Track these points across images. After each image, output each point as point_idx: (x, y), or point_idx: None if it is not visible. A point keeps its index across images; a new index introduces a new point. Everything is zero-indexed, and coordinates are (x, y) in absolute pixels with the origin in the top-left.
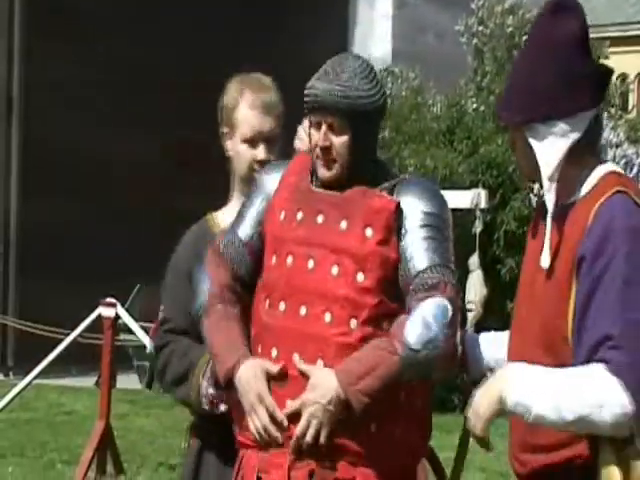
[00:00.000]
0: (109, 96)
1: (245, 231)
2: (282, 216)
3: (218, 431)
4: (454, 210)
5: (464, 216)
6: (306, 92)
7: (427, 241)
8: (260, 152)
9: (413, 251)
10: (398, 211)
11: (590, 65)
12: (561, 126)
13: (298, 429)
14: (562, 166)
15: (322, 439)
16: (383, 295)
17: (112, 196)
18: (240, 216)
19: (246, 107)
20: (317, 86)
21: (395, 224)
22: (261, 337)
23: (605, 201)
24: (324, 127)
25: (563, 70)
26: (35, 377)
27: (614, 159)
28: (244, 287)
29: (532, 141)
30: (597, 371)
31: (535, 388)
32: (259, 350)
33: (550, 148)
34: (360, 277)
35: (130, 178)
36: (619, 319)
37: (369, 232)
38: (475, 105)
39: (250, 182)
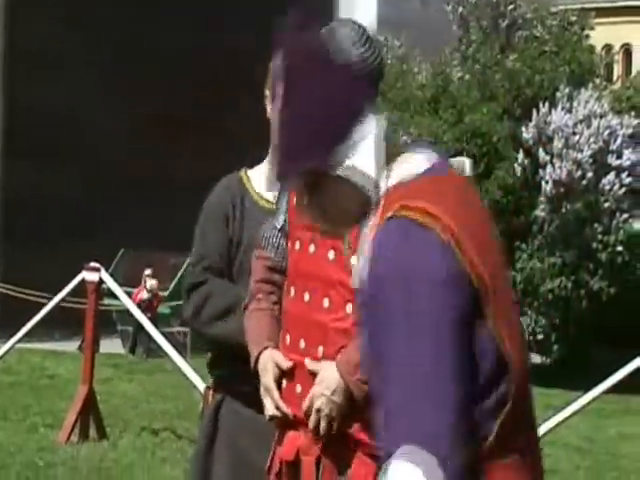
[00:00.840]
0: (95, 63)
1: (280, 218)
2: (295, 200)
3: (248, 382)
4: None
5: None
6: None
7: None
8: None
9: None
10: None
11: None
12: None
13: (310, 423)
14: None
15: (324, 426)
16: None
17: (97, 163)
18: (277, 205)
19: None
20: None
21: None
22: (283, 322)
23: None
24: None
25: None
26: (18, 341)
27: (598, 129)
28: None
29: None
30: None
31: None
32: (280, 337)
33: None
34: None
35: (115, 145)
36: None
37: None
38: (460, 74)
39: None
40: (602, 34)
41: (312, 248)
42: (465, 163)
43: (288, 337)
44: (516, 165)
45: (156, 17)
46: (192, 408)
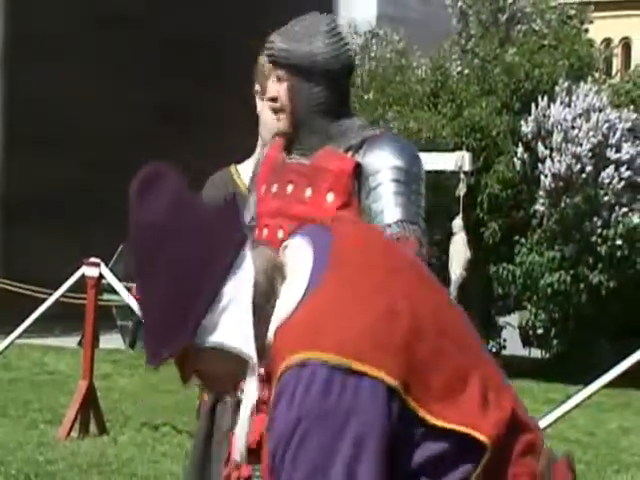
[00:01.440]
0: (94, 50)
1: (247, 215)
2: (262, 191)
3: None
4: (438, 172)
5: (448, 179)
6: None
7: (394, 197)
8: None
9: (378, 207)
10: (360, 170)
11: None
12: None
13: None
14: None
15: None
16: None
17: (98, 156)
18: (246, 203)
19: None
20: (269, 39)
21: (355, 185)
22: None
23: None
24: (273, 77)
25: None
26: (18, 336)
27: (597, 123)
28: None
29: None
30: None
31: None
32: None
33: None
34: None
35: (114, 134)
36: None
37: (330, 197)
38: (459, 68)
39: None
40: (601, 28)
41: (280, 234)
42: (465, 157)
43: None
44: (515, 159)
45: (166, 2)
46: (192, 403)
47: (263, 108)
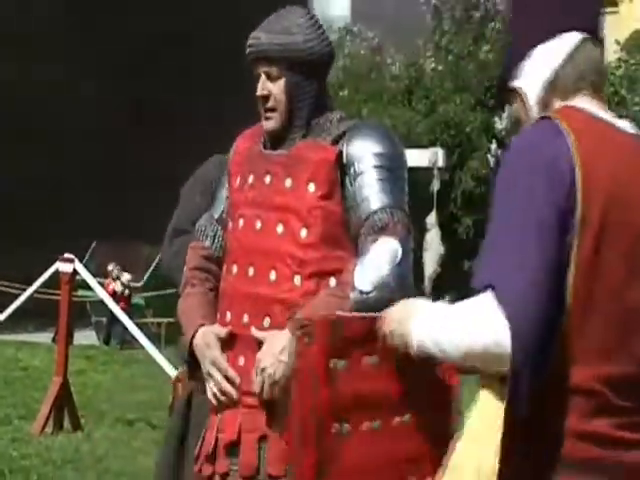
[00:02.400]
0: (68, 46)
1: (217, 208)
2: (237, 182)
3: None
4: (412, 169)
5: (422, 175)
6: (247, 44)
7: (378, 183)
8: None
9: (363, 194)
10: (342, 159)
11: None
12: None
13: (256, 385)
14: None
15: (268, 391)
16: (327, 250)
17: (70, 152)
18: (213, 197)
19: None
20: (253, 36)
21: (337, 175)
22: (220, 303)
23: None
24: (262, 76)
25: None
26: None
27: None
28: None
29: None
30: (481, 304)
31: (422, 322)
32: (218, 316)
33: (529, 82)
34: (303, 233)
35: (83, 131)
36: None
37: (312, 187)
38: (434, 65)
39: None
40: None
41: (258, 224)
42: (439, 154)
43: (229, 314)
44: (489, 155)
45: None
46: (167, 398)
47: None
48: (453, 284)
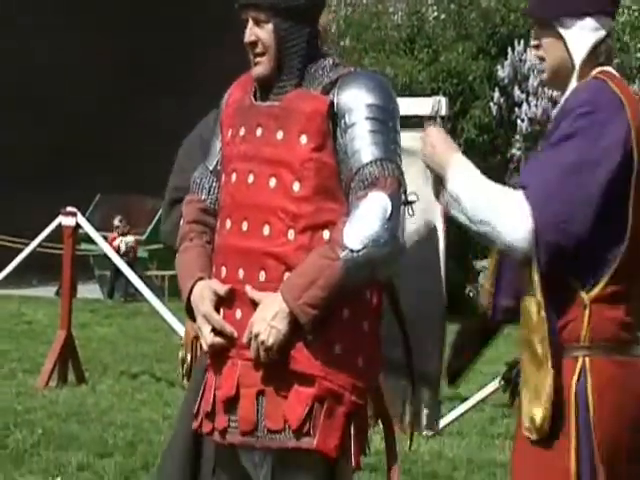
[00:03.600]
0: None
1: (212, 160)
2: (229, 134)
3: None
4: (414, 117)
5: (425, 124)
6: None
7: (370, 135)
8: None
9: (355, 147)
10: (334, 109)
11: None
12: (590, 22)
13: (251, 351)
14: (585, 62)
15: (263, 355)
16: (320, 203)
17: (75, 107)
18: (208, 149)
19: None
20: None
21: (329, 126)
22: (215, 257)
23: (579, 86)
24: (250, 22)
25: None
26: None
27: None
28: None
29: (562, 31)
30: (515, 193)
31: (461, 171)
32: (214, 271)
33: (580, 38)
34: (296, 186)
35: (91, 90)
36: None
37: (304, 139)
38: (436, 13)
39: None
40: None
41: (251, 178)
42: (441, 102)
43: (224, 269)
44: (492, 104)
45: None
46: (170, 351)
47: None
48: (456, 233)
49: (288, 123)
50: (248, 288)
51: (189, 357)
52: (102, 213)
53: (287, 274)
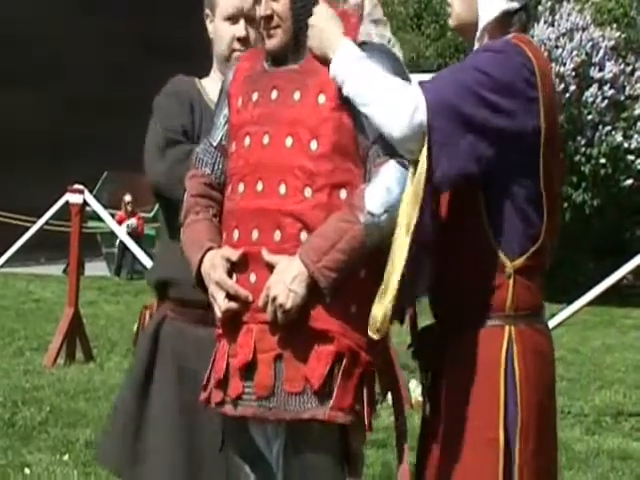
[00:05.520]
0: None
1: (216, 135)
2: (239, 102)
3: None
4: None
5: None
6: None
7: None
8: (240, 29)
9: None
10: None
11: None
12: None
13: (267, 314)
14: (492, 27)
15: (281, 318)
16: (338, 162)
17: (79, 85)
18: (212, 123)
19: None
20: None
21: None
22: (225, 223)
23: (492, 43)
24: None
25: None
26: (2, 265)
27: (580, 42)
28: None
29: None
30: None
31: (346, 65)
32: (225, 236)
33: (491, 1)
34: (314, 145)
35: (96, 69)
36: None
37: (322, 99)
38: None
39: (229, 62)
40: None
41: (266, 139)
42: None
43: (236, 232)
44: None
45: None
46: None
47: (218, 26)
48: None
49: (306, 84)
50: (264, 251)
51: (135, 326)
52: (109, 190)
53: (304, 233)
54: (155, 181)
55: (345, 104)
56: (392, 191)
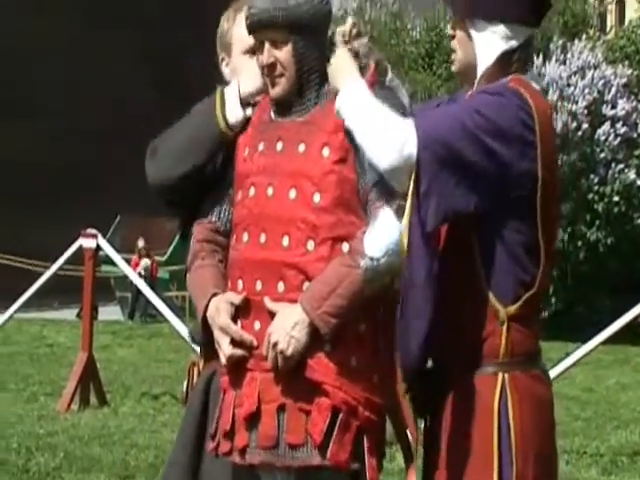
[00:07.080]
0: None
1: (221, 186)
2: (246, 152)
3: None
4: None
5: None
6: (246, 15)
7: None
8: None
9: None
10: None
11: None
12: (502, 29)
13: (269, 360)
14: (492, 68)
15: (282, 364)
16: (340, 215)
17: (96, 126)
18: (213, 176)
19: (240, 24)
20: (253, 5)
21: (351, 140)
22: (230, 272)
23: (490, 86)
24: (267, 44)
25: None
26: (16, 311)
27: (592, 80)
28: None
29: (473, 32)
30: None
31: (350, 97)
32: (229, 286)
33: (489, 44)
34: (317, 198)
35: (113, 110)
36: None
37: (326, 152)
38: None
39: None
40: None
41: (270, 191)
42: None
43: (240, 282)
44: None
45: None
46: None
47: (235, 65)
48: None
49: (310, 136)
50: (266, 299)
51: (185, 383)
52: (122, 234)
53: (306, 284)
54: (156, 174)
55: (348, 157)
56: (391, 235)
